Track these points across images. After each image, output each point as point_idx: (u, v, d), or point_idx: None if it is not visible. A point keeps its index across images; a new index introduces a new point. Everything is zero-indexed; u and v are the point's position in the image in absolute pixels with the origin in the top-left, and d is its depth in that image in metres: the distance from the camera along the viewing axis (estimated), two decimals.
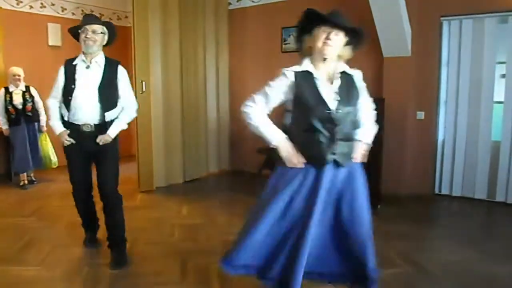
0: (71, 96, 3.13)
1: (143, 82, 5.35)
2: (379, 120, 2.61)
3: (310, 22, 2.27)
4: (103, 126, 3.20)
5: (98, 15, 7.52)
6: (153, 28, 5.44)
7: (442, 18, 5.08)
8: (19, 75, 5.67)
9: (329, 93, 2.25)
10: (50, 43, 7.08)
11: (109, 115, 3.21)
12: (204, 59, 6.40)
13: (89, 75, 3.16)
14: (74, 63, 3.22)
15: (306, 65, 2.31)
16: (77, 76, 3.15)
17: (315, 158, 2.28)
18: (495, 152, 5.01)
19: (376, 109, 2.58)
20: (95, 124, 3.17)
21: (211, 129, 6.64)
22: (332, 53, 2.25)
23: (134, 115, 3.43)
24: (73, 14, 7.34)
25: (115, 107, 3.25)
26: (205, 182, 6.29)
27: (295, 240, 2.29)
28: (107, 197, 3.26)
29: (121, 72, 3.27)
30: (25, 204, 5.02)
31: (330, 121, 2.23)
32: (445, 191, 5.34)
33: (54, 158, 6.09)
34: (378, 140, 4.79)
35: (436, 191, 5.39)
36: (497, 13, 4.74)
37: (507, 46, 4.81)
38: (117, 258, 3.27)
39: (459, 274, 3.09)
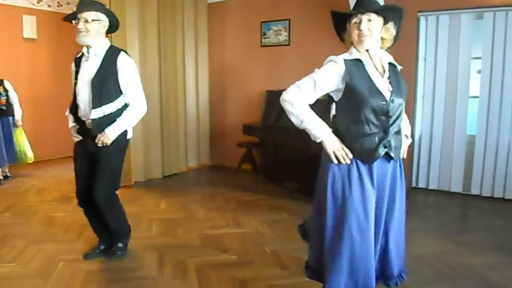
0: (75, 91, 2.98)
1: None
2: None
3: (341, 20, 2.18)
4: (100, 124, 2.89)
5: (74, 8, 7.52)
6: (130, 21, 5.37)
7: (419, 14, 5.13)
8: None
9: (382, 83, 2.11)
10: (25, 36, 6.94)
11: (97, 112, 2.88)
12: (183, 53, 6.34)
13: (88, 68, 2.92)
14: (78, 56, 3.03)
15: (355, 53, 2.14)
16: (79, 70, 2.97)
17: (366, 152, 2.11)
18: (470, 146, 5.11)
19: None
20: (92, 120, 2.90)
21: (190, 124, 6.60)
22: (371, 41, 2.10)
23: (140, 113, 3.03)
24: (49, 6, 7.21)
25: (110, 102, 2.91)
26: (184, 176, 6.26)
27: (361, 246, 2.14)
28: (95, 200, 3.02)
29: (122, 62, 2.92)
30: None
31: (384, 112, 2.08)
32: (422, 184, 5.43)
33: (29, 153, 5.99)
34: None
35: (413, 185, 5.47)
36: (473, 9, 4.82)
37: (482, 41, 4.88)
38: (110, 249, 3.27)
39: (435, 265, 3.14)
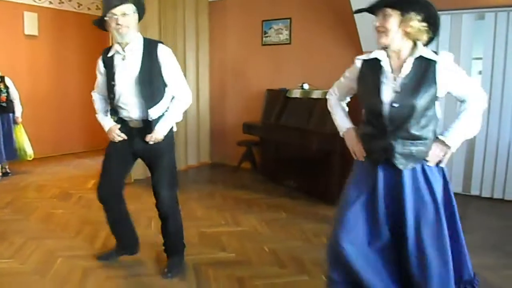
0: (113, 93, 2.71)
1: None
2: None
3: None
4: (153, 123, 2.73)
5: (76, 5, 7.54)
6: None
7: None
8: None
9: (389, 84, 1.98)
10: (26, 32, 6.93)
11: (156, 111, 2.72)
12: (184, 52, 6.33)
13: (126, 67, 2.67)
14: (109, 55, 2.73)
15: (377, 52, 2.05)
16: (115, 71, 2.70)
17: (369, 153, 2.11)
18: (471, 146, 5.10)
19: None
20: (143, 120, 2.73)
21: (190, 122, 6.59)
22: (387, 39, 1.97)
23: (187, 104, 2.86)
24: (50, 3, 7.20)
25: (163, 97, 2.76)
26: (184, 174, 6.24)
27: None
28: (161, 206, 2.88)
29: (163, 53, 2.70)
30: None
31: (380, 114, 1.98)
32: None
33: (29, 150, 5.98)
34: None
35: None
36: (475, 9, 4.80)
37: (483, 42, 4.87)
38: (170, 265, 2.99)
39: None
